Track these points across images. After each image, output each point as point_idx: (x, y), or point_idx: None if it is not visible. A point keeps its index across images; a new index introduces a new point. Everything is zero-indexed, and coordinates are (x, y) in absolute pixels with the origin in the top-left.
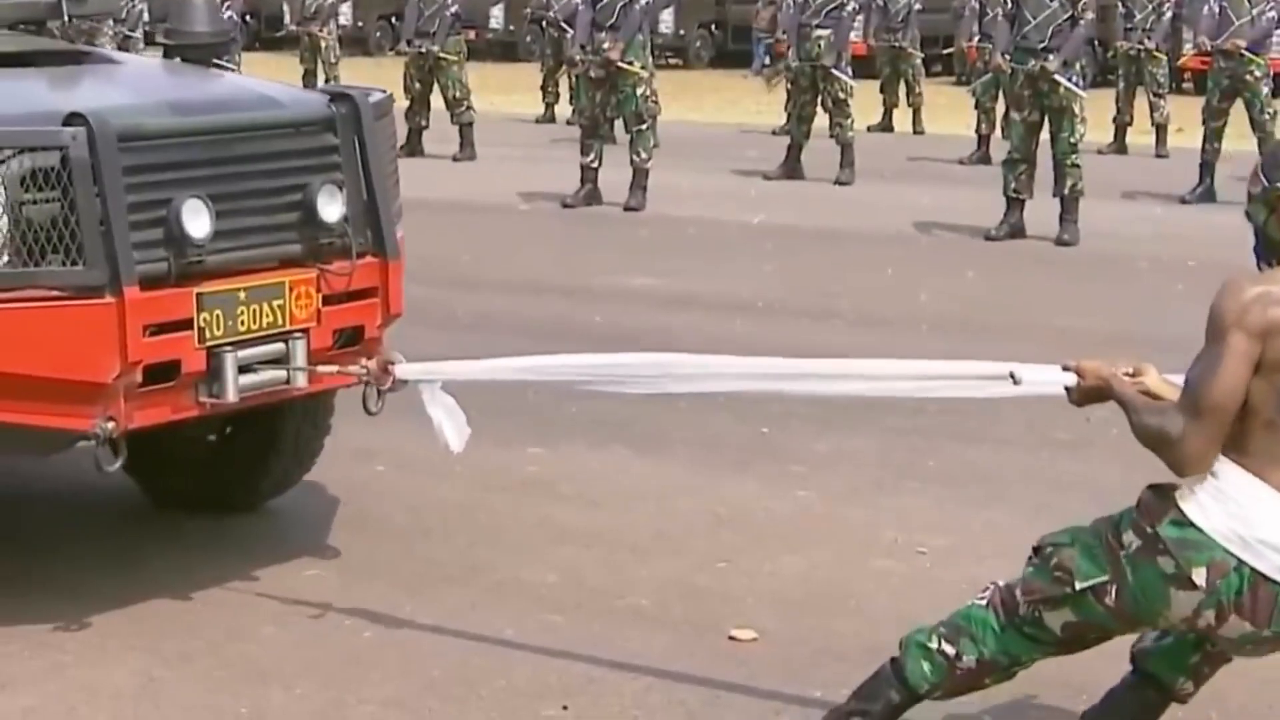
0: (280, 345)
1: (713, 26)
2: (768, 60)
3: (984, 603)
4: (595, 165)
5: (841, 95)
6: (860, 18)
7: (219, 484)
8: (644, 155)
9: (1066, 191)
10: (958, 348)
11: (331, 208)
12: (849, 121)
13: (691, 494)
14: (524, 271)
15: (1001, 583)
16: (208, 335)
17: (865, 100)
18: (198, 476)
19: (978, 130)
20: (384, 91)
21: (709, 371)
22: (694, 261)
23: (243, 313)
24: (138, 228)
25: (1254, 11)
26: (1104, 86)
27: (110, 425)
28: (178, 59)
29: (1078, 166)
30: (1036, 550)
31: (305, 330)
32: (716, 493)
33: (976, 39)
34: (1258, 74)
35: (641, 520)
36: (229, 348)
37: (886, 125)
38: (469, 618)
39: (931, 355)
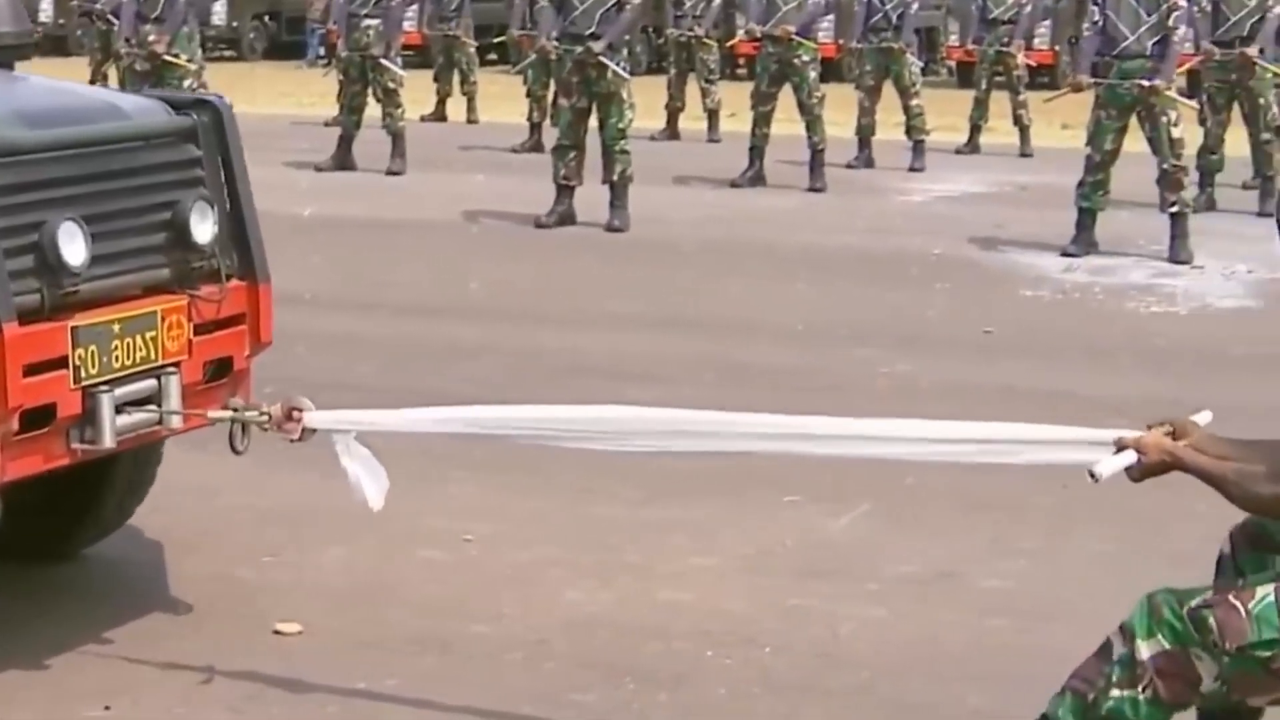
0: (153, 382)
1: (266, 18)
2: (322, 51)
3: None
4: None
5: (391, 85)
6: (414, 7)
7: (37, 531)
8: None
9: (616, 177)
10: (507, 336)
11: (203, 227)
12: (399, 111)
13: (236, 489)
14: None
15: (1149, 660)
16: (83, 374)
17: (420, 89)
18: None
19: (530, 118)
20: (221, 97)
21: (720, 430)
22: None
23: (117, 347)
24: (10, 255)
25: None
26: (659, 73)
27: None
28: None
29: (626, 153)
30: (1239, 649)
31: (178, 364)
32: (261, 487)
33: (529, 27)
34: (806, 59)
35: (186, 516)
36: (105, 387)
37: (440, 114)
38: (8, 619)
39: (482, 342)
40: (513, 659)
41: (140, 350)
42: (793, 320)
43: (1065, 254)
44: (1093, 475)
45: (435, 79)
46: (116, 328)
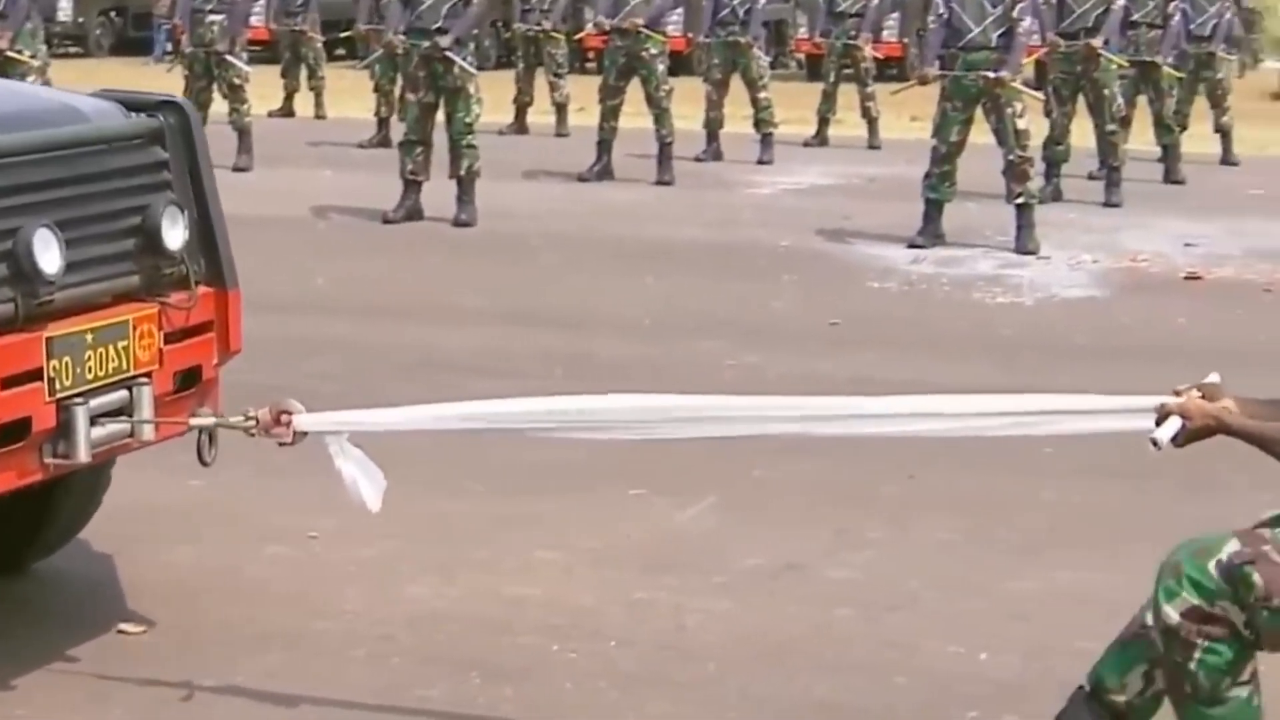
0: (124, 393)
1: (113, 14)
2: (170, 47)
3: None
4: None
5: (237, 81)
6: (260, 2)
7: None
8: None
9: (463, 172)
10: (355, 331)
11: (174, 232)
12: (245, 107)
13: None
14: None
15: (1179, 620)
16: (58, 386)
17: (267, 85)
18: None
19: (377, 113)
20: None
21: (735, 414)
22: None
23: (90, 358)
24: None
25: None
26: (507, 67)
27: None
28: None
29: (474, 147)
30: None
31: (149, 374)
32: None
33: (376, 21)
34: (654, 52)
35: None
36: (79, 399)
37: (288, 110)
38: None
39: (329, 337)
40: (357, 654)
41: (113, 361)
42: (640, 313)
43: (912, 245)
44: (1155, 444)
45: (282, 74)
46: (89, 338)
